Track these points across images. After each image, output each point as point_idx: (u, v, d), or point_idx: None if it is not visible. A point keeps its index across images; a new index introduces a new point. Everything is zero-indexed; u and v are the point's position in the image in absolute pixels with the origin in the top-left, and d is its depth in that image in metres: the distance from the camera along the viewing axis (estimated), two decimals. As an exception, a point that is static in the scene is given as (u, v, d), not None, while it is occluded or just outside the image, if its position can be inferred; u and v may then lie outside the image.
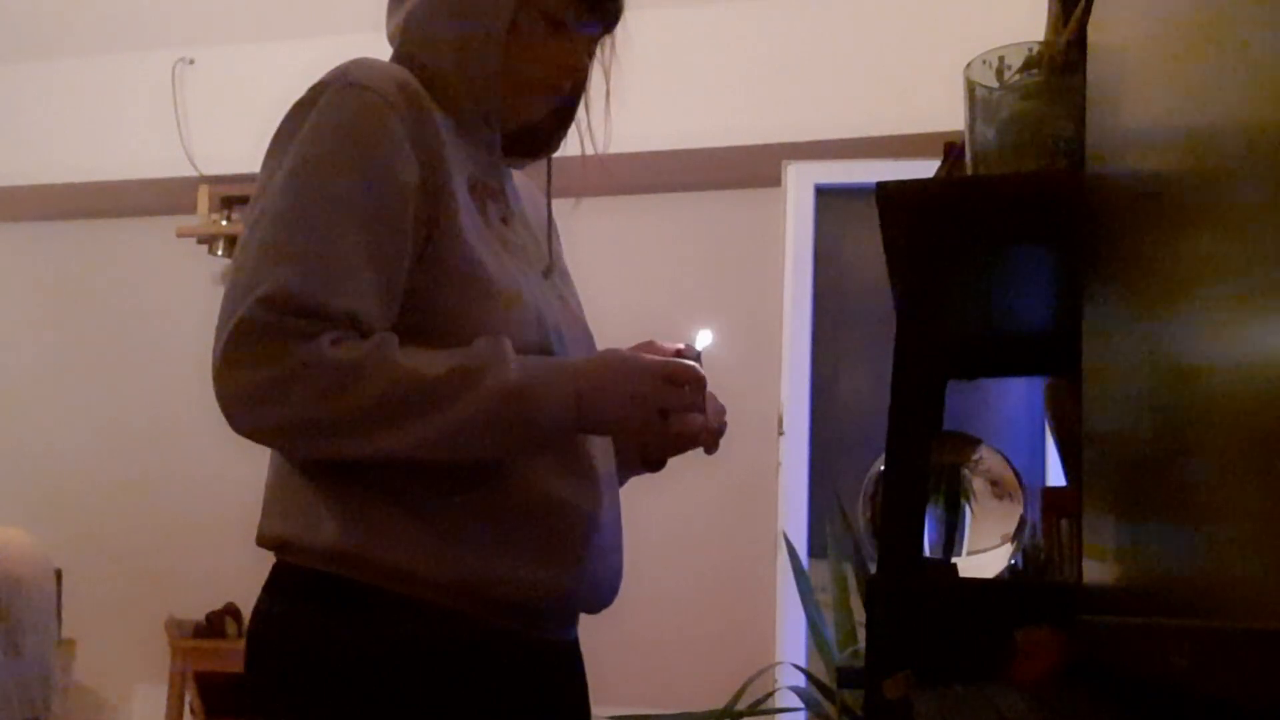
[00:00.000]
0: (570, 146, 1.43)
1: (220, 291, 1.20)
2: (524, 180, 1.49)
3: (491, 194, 1.33)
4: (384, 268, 1.20)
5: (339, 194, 1.20)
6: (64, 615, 3.85)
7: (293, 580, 1.25)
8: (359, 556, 1.21)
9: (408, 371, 1.17)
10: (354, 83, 1.23)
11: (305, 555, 1.23)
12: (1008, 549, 1.37)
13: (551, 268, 1.40)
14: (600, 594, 1.34)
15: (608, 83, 1.41)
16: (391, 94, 1.23)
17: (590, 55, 1.38)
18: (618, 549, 1.37)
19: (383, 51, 1.34)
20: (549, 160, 1.45)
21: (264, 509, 1.29)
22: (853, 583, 3.19)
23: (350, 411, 1.16)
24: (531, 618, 1.28)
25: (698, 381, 1.25)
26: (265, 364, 1.15)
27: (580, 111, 1.42)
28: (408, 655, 1.22)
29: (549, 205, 1.46)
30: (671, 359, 1.28)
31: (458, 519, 1.22)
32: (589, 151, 1.41)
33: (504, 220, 1.34)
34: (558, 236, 1.46)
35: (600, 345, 1.44)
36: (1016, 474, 1.42)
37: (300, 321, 1.15)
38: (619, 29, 1.39)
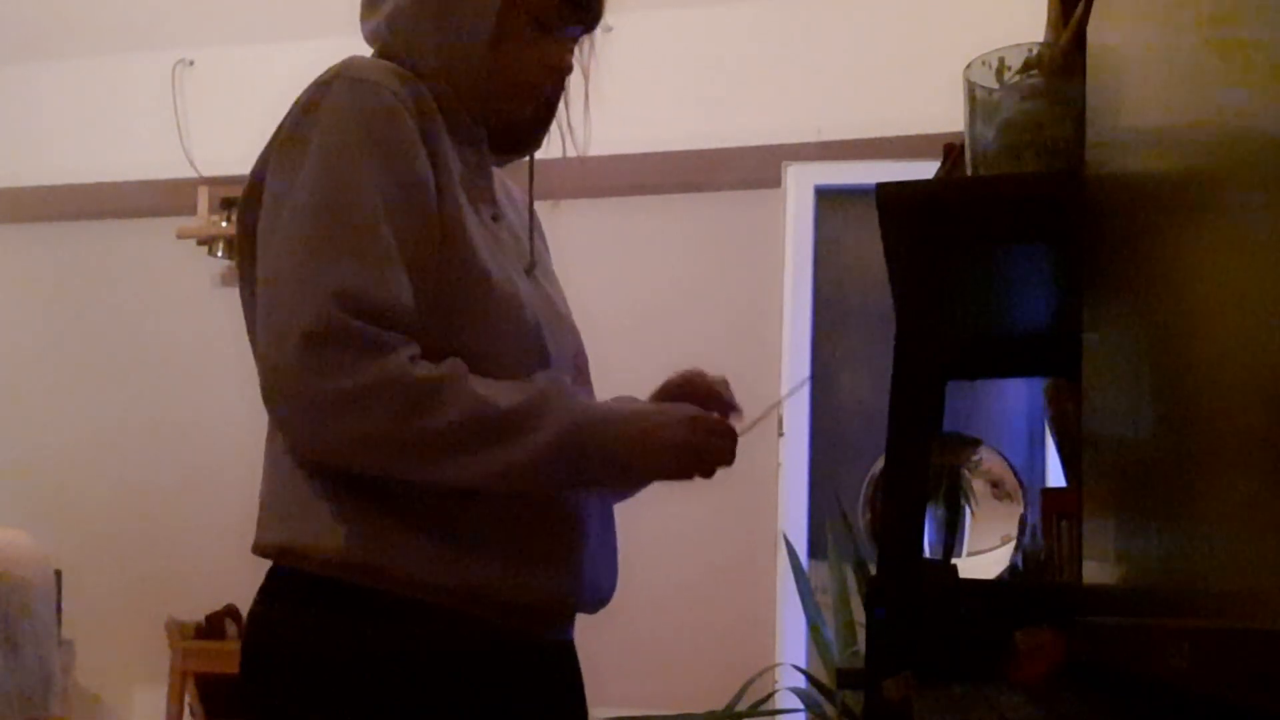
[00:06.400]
0: (550, 148, 1.43)
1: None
2: (499, 176, 1.48)
3: (481, 193, 1.33)
4: (411, 263, 1.20)
5: (372, 187, 1.19)
6: (64, 616, 3.85)
7: (292, 585, 1.24)
8: (364, 563, 1.20)
9: (481, 401, 1.18)
10: (362, 79, 1.22)
11: (307, 562, 1.22)
12: (1007, 550, 1.37)
13: (533, 265, 1.40)
14: (598, 594, 1.35)
15: (587, 83, 1.41)
16: (400, 91, 1.23)
17: (570, 54, 1.38)
18: (612, 549, 1.38)
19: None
20: (531, 158, 1.44)
21: (261, 516, 1.27)
22: (853, 583, 3.19)
23: (426, 434, 1.16)
24: (533, 619, 1.28)
25: (730, 435, 1.28)
26: (346, 374, 1.13)
27: (561, 111, 1.41)
28: (412, 657, 1.21)
29: (530, 203, 1.46)
30: (707, 415, 1.28)
31: (460, 524, 1.22)
32: (570, 152, 1.41)
33: (494, 219, 1.34)
34: (541, 234, 1.46)
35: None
36: (1016, 474, 1.42)
37: (373, 329, 1.15)
38: (599, 29, 1.39)
